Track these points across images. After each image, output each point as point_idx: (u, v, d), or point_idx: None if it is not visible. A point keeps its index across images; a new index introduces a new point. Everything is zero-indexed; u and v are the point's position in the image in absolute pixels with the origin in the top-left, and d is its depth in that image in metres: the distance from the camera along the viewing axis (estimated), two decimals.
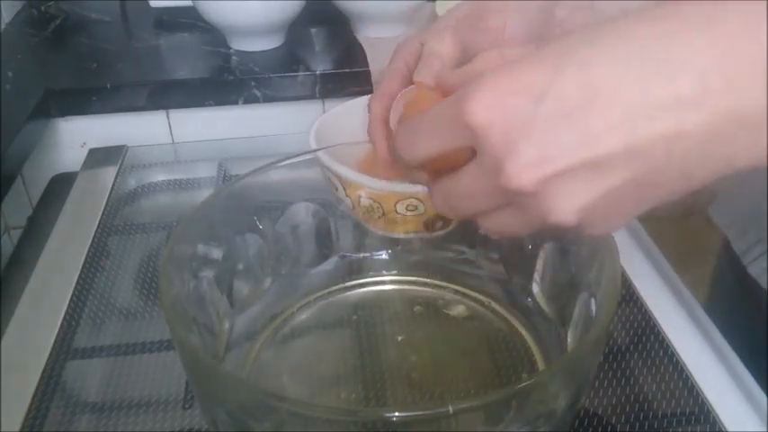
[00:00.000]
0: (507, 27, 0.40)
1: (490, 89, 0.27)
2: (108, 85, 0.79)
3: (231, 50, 0.86)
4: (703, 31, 0.25)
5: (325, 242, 0.55)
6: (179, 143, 0.83)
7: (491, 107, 0.26)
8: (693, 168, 0.26)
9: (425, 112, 0.30)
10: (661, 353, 0.50)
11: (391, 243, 0.55)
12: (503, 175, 0.27)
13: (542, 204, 0.27)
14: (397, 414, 0.31)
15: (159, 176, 0.75)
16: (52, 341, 0.52)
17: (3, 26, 0.92)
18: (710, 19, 0.25)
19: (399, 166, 0.39)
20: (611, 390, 0.48)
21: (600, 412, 0.46)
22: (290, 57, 0.85)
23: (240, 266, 0.50)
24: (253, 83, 0.80)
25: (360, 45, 0.87)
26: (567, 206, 0.27)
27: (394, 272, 0.55)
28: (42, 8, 0.97)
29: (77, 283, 0.58)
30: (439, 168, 0.32)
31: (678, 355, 0.49)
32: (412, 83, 0.42)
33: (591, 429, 0.45)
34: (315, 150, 0.52)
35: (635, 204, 0.28)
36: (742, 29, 0.24)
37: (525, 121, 0.26)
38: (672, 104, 0.25)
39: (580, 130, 0.26)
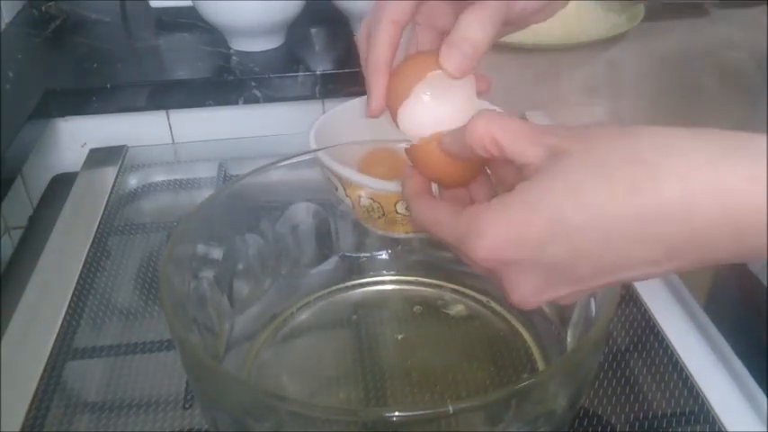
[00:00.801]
0: None
1: (491, 245, 0.31)
2: (108, 86, 0.79)
3: (231, 50, 0.86)
4: (674, 207, 0.28)
5: (325, 242, 0.55)
6: (179, 143, 0.83)
7: (494, 261, 0.32)
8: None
9: (436, 222, 0.35)
10: (661, 353, 0.50)
11: (391, 243, 0.55)
12: (508, 299, 0.33)
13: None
14: (397, 414, 0.31)
15: (159, 176, 0.75)
16: (52, 341, 0.52)
17: (3, 26, 0.92)
18: (683, 191, 0.28)
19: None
20: (611, 390, 0.48)
21: (600, 412, 0.46)
22: (290, 57, 0.85)
23: (240, 266, 0.50)
24: (253, 83, 0.80)
25: None
26: (563, 303, 0.34)
27: (394, 272, 0.55)
28: (42, 8, 0.97)
29: (77, 283, 0.58)
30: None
31: (678, 355, 0.49)
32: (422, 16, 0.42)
33: (591, 429, 0.45)
34: (315, 150, 0.52)
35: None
36: (710, 197, 0.27)
37: (524, 270, 0.32)
38: (646, 263, 0.30)
39: (572, 276, 0.31)
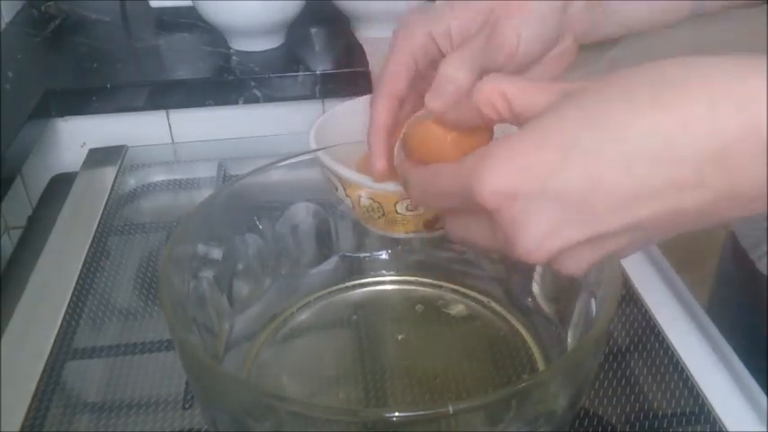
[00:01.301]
0: (522, 39, 0.39)
1: (499, 170, 0.29)
2: (108, 85, 0.79)
3: (231, 50, 0.86)
4: (698, 122, 0.26)
5: (325, 242, 0.55)
6: (179, 143, 0.83)
7: (500, 188, 0.29)
8: (689, 229, 0.29)
9: (438, 173, 0.32)
10: (661, 353, 0.50)
11: (391, 243, 0.55)
12: (515, 249, 0.30)
13: (552, 265, 0.31)
14: (397, 414, 0.31)
15: (159, 176, 0.75)
16: (52, 341, 0.52)
17: (3, 26, 0.92)
18: (704, 109, 0.26)
19: (399, 169, 0.40)
20: (611, 390, 0.48)
21: (600, 412, 0.46)
22: (290, 57, 0.85)
23: (240, 266, 0.50)
24: (253, 83, 0.80)
25: (360, 45, 0.87)
26: (573, 268, 0.31)
27: (394, 272, 0.55)
28: (42, 8, 0.97)
29: (77, 283, 0.58)
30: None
31: (678, 356, 0.49)
32: (418, 87, 0.42)
33: (591, 429, 0.45)
34: (315, 150, 0.52)
35: (632, 252, 0.32)
36: (737, 119, 0.26)
37: (533, 201, 0.28)
38: (669, 191, 0.27)
39: (586, 214, 0.28)
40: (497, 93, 0.31)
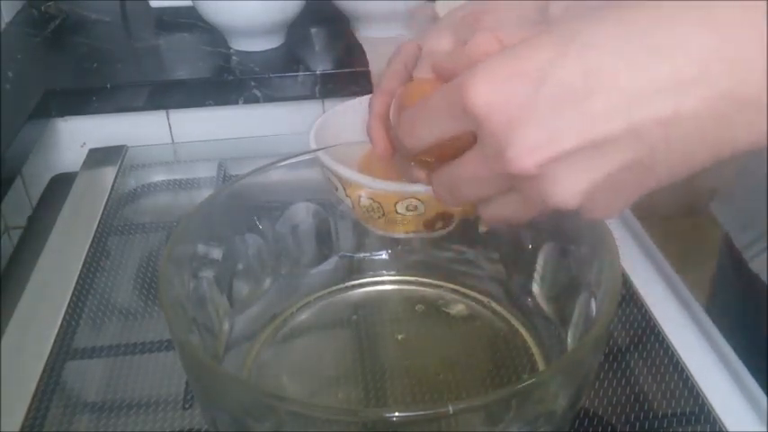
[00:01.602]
0: (503, 27, 0.40)
1: (490, 73, 0.27)
2: (108, 85, 0.79)
3: (231, 50, 0.86)
4: (703, 15, 0.25)
5: (325, 242, 0.55)
6: (179, 143, 0.83)
7: (491, 92, 0.27)
8: (694, 149, 0.26)
9: (426, 98, 0.31)
10: (661, 353, 0.50)
11: (391, 243, 0.55)
12: (504, 158, 0.27)
13: (544, 187, 0.28)
14: (396, 414, 0.31)
15: (159, 176, 0.75)
16: (52, 341, 0.52)
17: (3, 26, 0.92)
18: (710, 5, 0.25)
19: (398, 164, 0.39)
20: (611, 390, 0.48)
21: (600, 412, 0.46)
22: (290, 57, 0.85)
23: (240, 266, 0.50)
24: (253, 83, 0.80)
25: (360, 45, 0.87)
26: (568, 188, 0.27)
27: (394, 272, 0.55)
28: (42, 8, 0.97)
29: (77, 283, 0.58)
30: (440, 158, 0.33)
31: (678, 355, 0.49)
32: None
33: (591, 429, 0.45)
34: (315, 150, 0.52)
35: (636, 186, 0.28)
36: (741, 14, 0.25)
37: (526, 104, 0.26)
38: (671, 87, 0.25)
39: (581, 113, 0.26)
40: (494, 39, 0.30)
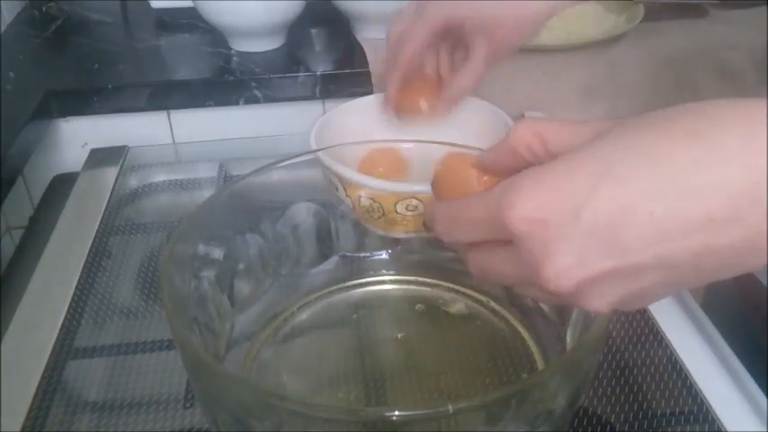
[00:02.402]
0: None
1: (529, 200, 0.28)
2: (109, 86, 0.79)
3: (232, 51, 0.86)
4: (735, 152, 0.26)
5: (325, 242, 0.55)
6: (180, 143, 0.84)
7: (531, 219, 0.28)
8: (721, 273, 0.28)
9: (467, 203, 0.32)
10: (660, 352, 0.50)
11: (391, 243, 0.55)
12: (541, 277, 0.29)
13: (576, 300, 0.30)
14: (397, 413, 0.31)
15: (160, 177, 0.75)
16: (53, 341, 0.52)
17: (4, 27, 0.93)
18: (746, 137, 0.26)
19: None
20: (610, 389, 0.48)
21: (599, 412, 0.46)
22: (290, 57, 0.85)
23: (241, 266, 0.50)
24: (253, 83, 0.80)
25: (360, 46, 0.87)
26: (599, 303, 0.29)
27: (394, 272, 0.55)
28: (43, 9, 0.97)
29: (78, 282, 0.58)
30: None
31: (677, 355, 0.50)
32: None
33: (590, 429, 0.45)
34: (315, 151, 0.52)
35: (663, 295, 0.30)
36: None
37: (563, 232, 0.28)
38: (703, 225, 0.26)
39: (615, 243, 0.27)
40: (533, 133, 0.31)
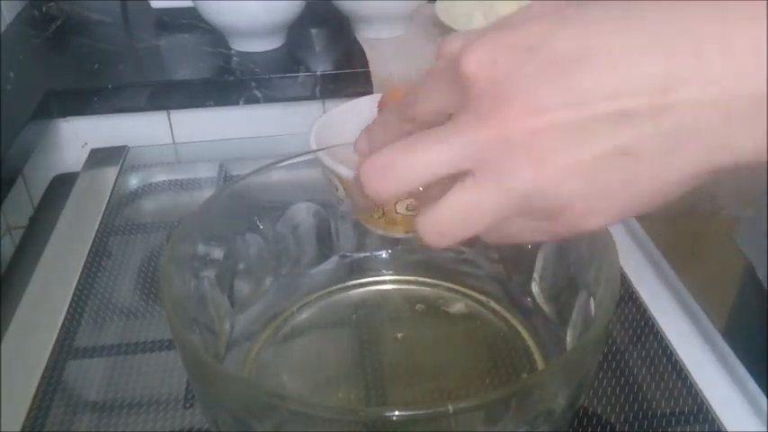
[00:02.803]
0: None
1: (483, 43, 0.27)
2: (109, 86, 0.79)
3: (232, 51, 0.86)
4: (711, 15, 0.24)
5: (325, 242, 0.55)
6: (180, 143, 0.84)
7: (483, 60, 0.26)
8: (683, 147, 0.25)
9: (424, 79, 0.30)
10: (660, 352, 0.51)
11: (391, 243, 0.55)
12: (490, 120, 0.26)
13: (531, 158, 0.26)
14: (397, 413, 0.31)
15: (160, 177, 0.75)
16: (53, 341, 0.52)
17: (4, 27, 0.93)
18: (723, 5, 0.24)
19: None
20: (610, 390, 0.48)
21: (599, 412, 0.46)
22: (290, 57, 0.85)
23: (241, 266, 0.50)
24: (253, 83, 0.80)
25: (360, 46, 0.87)
26: (553, 162, 0.26)
27: (394, 271, 0.55)
28: (43, 9, 0.97)
29: (78, 282, 0.58)
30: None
31: (677, 355, 0.50)
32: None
33: (590, 429, 0.45)
34: (315, 151, 0.52)
35: (624, 187, 0.27)
36: (749, 13, 0.24)
37: (515, 72, 0.26)
38: (665, 78, 0.24)
39: (569, 87, 0.25)
40: (462, 41, 0.29)
